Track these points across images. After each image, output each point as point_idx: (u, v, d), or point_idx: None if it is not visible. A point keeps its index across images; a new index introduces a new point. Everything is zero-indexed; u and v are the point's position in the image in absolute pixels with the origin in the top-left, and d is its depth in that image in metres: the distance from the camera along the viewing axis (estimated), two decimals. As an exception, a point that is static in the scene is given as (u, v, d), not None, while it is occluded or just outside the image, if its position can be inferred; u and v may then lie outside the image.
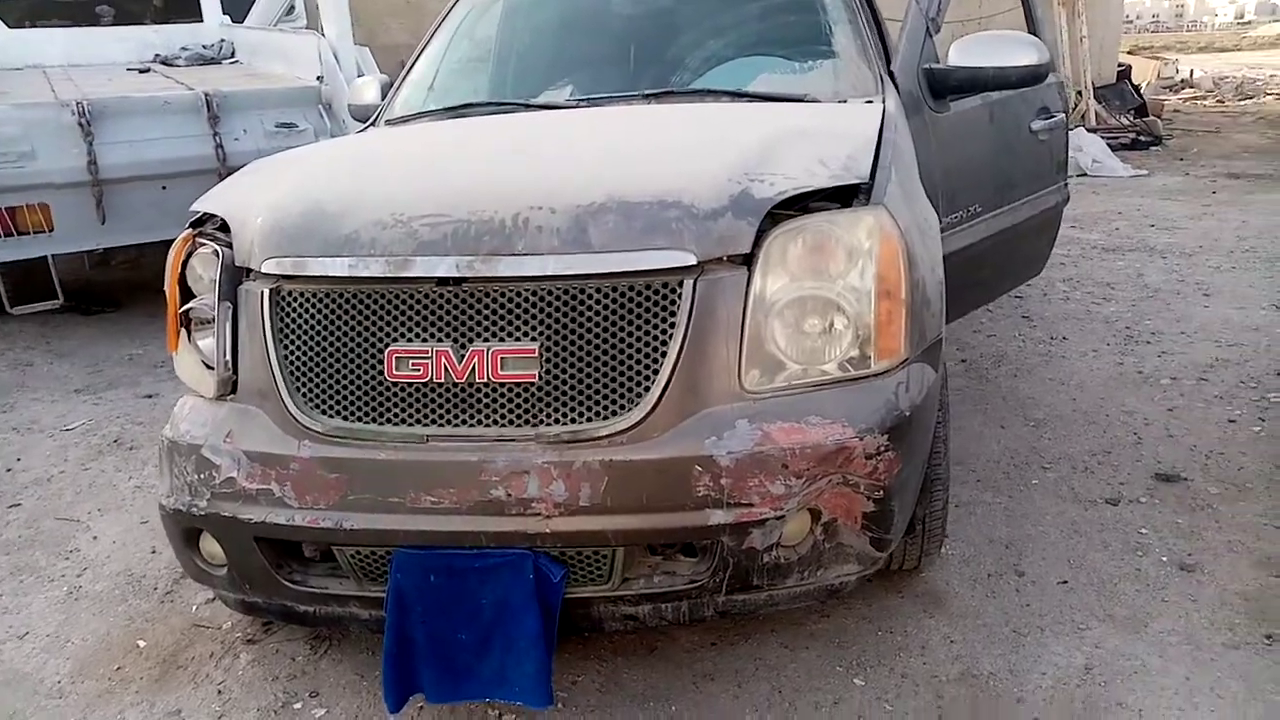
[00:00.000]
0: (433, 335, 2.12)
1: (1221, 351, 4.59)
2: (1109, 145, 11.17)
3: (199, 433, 2.29)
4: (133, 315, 6.23)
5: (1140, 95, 15.34)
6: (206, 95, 5.76)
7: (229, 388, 2.32)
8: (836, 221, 2.18)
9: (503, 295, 2.09)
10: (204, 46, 8.21)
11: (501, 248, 2.11)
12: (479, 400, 2.09)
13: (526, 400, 2.07)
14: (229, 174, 3.81)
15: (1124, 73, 16.00)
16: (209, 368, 2.35)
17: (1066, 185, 4.34)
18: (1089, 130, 11.93)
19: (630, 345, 2.06)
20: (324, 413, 2.18)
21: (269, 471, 2.17)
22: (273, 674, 2.52)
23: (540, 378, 2.06)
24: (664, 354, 2.05)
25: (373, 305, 2.16)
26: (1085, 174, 10.26)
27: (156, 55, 8.09)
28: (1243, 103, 17.77)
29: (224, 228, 2.46)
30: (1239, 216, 7.70)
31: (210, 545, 2.33)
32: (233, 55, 8.17)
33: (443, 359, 2.09)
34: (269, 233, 2.32)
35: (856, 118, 2.75)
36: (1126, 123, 13.54)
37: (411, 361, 2.12)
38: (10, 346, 5.56)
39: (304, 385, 2.20)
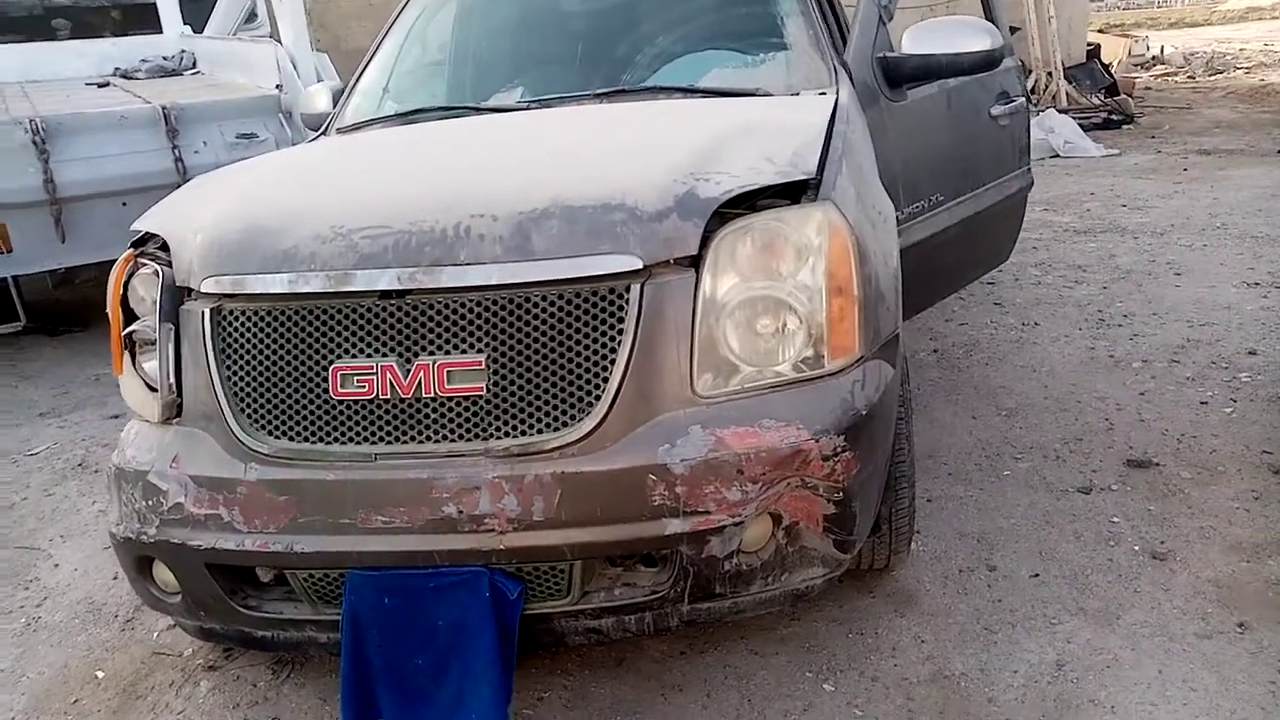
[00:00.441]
0: (377, 350, 2.07)
1: (1193, 332, 4.56)
2: (1080, 126, 11.14)
3: (145, 458, 2.24)
4: (99, 335, 6.09)
5: (1110, 74, 15.31)
6: (164, 109, 5.69)
7: (174, 411, 2.27)
8: (784, 219, 2.13)
9: (446, 307, 2.04)
10: (164, 58, 8.11)
11: (444, 258, 2.06)
12: (426, 415, 2.04)
13: (475, 414, 2.03)
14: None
15: (1093, 52, 15.96)
16: (154, 390, 2.30)
17: (1029, 170, 4.30)
18: (1059, 111, 11.90)
19: (578, 353, 2.01)
20: (270, 434, 2.13)
21: (216, 496, 2.12)
22: (233, 701, 2.46)
23: (488, 390, 2.01)
24: (613, 361, 2.00)
25: (315, 322, 2.11)
26: (1058, 155, 10.24)
27: (116, 69, 7.97)
28: (1213, 78, 17.77)
29: (165, 247, 2.41)
30: (1210, 194, 7.69)
31: (163, 573, 2.27)
32: (194, 66, 8.06)
33: (388, 374, 2.04)
34: (208, 251, 2.26)
35: (806, 111, 2.70)
36: (1098, 102, 13.52)
37: (356, 378, 2.06)
38: (-28, 370, 5.47)
39: (249, 406, 2.15)
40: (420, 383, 2.03)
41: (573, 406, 2.01)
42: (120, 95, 6.57)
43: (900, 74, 3.34)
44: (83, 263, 5.73)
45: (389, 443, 2.06)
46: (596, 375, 2.01)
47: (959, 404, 3.94)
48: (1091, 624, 2.49)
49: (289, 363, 2.12)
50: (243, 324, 2.17)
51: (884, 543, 2.59)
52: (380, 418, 2.06)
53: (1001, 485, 3.24)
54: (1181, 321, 4.74)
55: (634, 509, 1.98)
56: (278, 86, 6.13)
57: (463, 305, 2.04)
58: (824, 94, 2.93)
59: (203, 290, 2.23)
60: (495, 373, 2.01)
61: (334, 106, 3.75)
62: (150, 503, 2.18)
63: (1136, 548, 2.82)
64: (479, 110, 3.27)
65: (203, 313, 2.21)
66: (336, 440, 2.08)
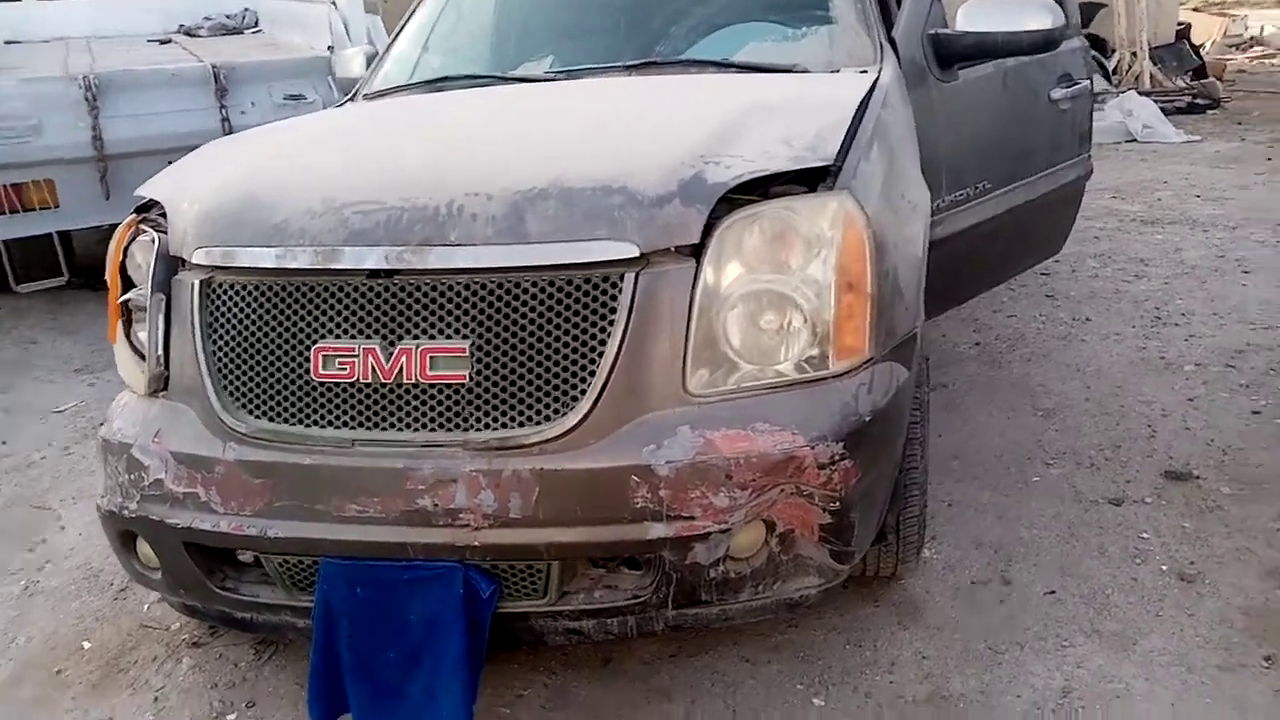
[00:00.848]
0: (361, 332, 2.00)
1: (1255, 335, 4.32)
2: (1162, 109, 10.70)
3: (130, 431, 2.20)
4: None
5: (1199, 55, 14.74)
6: (214, 67, 5.68)
7: (161, 384, 2.22)
8: (795, 208, 2.02)
9: (433, 289, 1.96)
10: (227, 16, 8.14)
11: (433, 237, 1.98)
12: (406, 402, 1.97)
13: (455, 403, 1.95)
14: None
15: (1183, 31, 15.38)
16: (143, 360, 2.25)
17: (1089, 158, 4.10)
18: (1141, 94, 11.46)
19: (565, 344, 1.92)
20: (250, 413, 2.08)
21: (195, 475, 2.08)
22: (212, 680, 2.43)
23: (470, 378, 1.93)
24: (601, 354, 1.91)
25: (301, 299, 2.05)
26: (1134, 140, 9.87)
27: (181, 25, 8.03)
28: (1314, 62, 17.01)
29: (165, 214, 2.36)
30: (1292, 186, 7.34)
31: (145, 549, 2.24)
32: (255, 25, 8.08)
33: (370, 358, 1.97)
34: (201, 220, 2.21)
35: (840, 90, 2.57)
36: (1182, 85, 13.02)
37: (338, 360, 2.00)
38: (17, 324, 5.53)
39: (231, 384, 2.10)
40: (402, 368, 1.95)
41: (556, 400, 1.92)
42: (177, 53, 6.59)
43: (952, 52, 3.18)
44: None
45: (368, 429, 1.99)
46: (583, 368, 1.92)
47: (994, 402, 3.77)
48: (1106, 649, 2.35)
49: (273, 341, 2.06)
50: (230, 298, 2.12)
51: (891, 551, 2.47)
52: (360, 402, 1.99)
53: (1028, 492, 3.08)
54: (1243, 323, 4.49)
55: (614, 511, 1.90)
56: (329, 48, 6.09)
57: (450, 288, 1.96)
58: (865, 72, 2.78)
59: (194, 261, 2.18)
60: (479, 360, 1.93)
61: (367, 71, 3.69)
62: (132, 477, 2.15)
63: (1164, 567, 2.66)
64: (505, 80, 3.17)
65: (193, 284, 2.16)
66: (315, 423, 2.02)
